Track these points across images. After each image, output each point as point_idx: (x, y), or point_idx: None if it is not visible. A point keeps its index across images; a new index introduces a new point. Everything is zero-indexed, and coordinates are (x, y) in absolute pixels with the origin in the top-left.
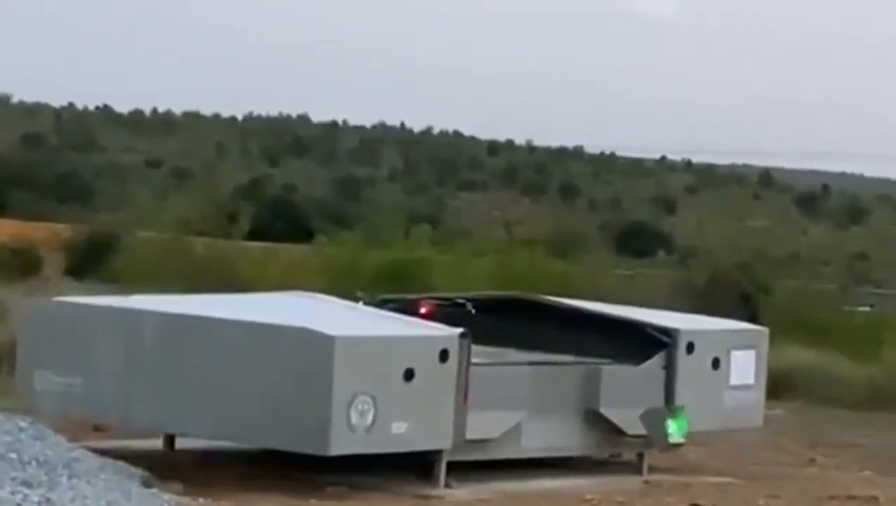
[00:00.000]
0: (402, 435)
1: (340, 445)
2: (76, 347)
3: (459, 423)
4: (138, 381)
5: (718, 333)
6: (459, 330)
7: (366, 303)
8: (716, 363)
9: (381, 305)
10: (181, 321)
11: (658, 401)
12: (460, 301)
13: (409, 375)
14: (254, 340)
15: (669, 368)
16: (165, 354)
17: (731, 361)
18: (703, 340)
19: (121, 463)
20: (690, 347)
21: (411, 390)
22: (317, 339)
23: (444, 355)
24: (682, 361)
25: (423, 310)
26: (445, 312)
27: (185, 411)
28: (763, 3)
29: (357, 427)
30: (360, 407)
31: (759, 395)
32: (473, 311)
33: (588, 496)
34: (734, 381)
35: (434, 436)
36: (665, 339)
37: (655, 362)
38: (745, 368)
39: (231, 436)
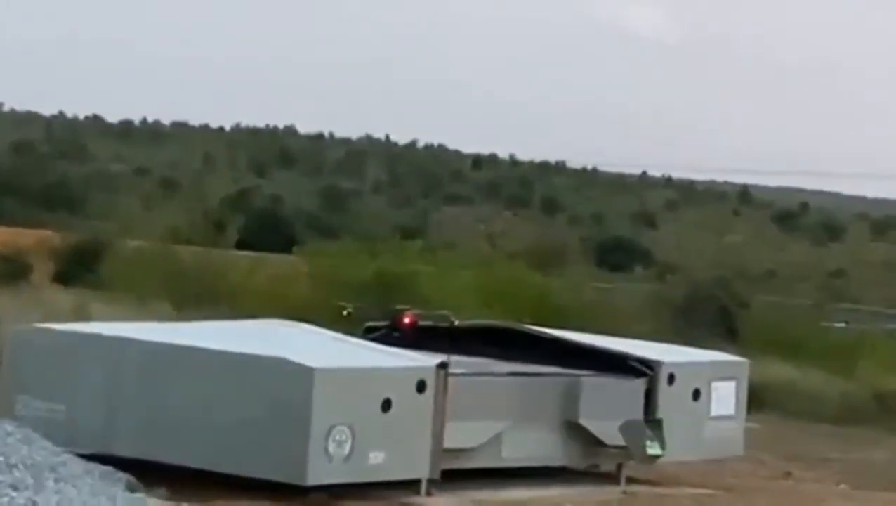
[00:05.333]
0: (379, 465)
1: (318, 474)
2: (59, 374)
3: (437, 452)
4: (119, 409)
5: (699, 364)
6: (437, 361)
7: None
8: (696, 394)
9: (366, 333)
10: (162, 350)
11: (637, 413)
12: (444, 324)
13: (386, 405)
14: (234, 370)
15: (650, 398)
16: (146, 382)
17: (711, 392)
18: (684, 371)
19: (107, 468)
20: (671, 379)
21: (389, 420)
22: (296, 369)
23: (421, 386)
24: (664, 392)
25: (406, 320)
26: (430, 334)
27: (165, 439)
28: (745, 25)
29: (335, 457)
30: (337, 437)
31: (740, 425)
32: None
33: None
34: (715, 412)
35: (411, 466)
36: (647, 370)
37: (635, 382)
38: (725, 399)
39: (210, 464)
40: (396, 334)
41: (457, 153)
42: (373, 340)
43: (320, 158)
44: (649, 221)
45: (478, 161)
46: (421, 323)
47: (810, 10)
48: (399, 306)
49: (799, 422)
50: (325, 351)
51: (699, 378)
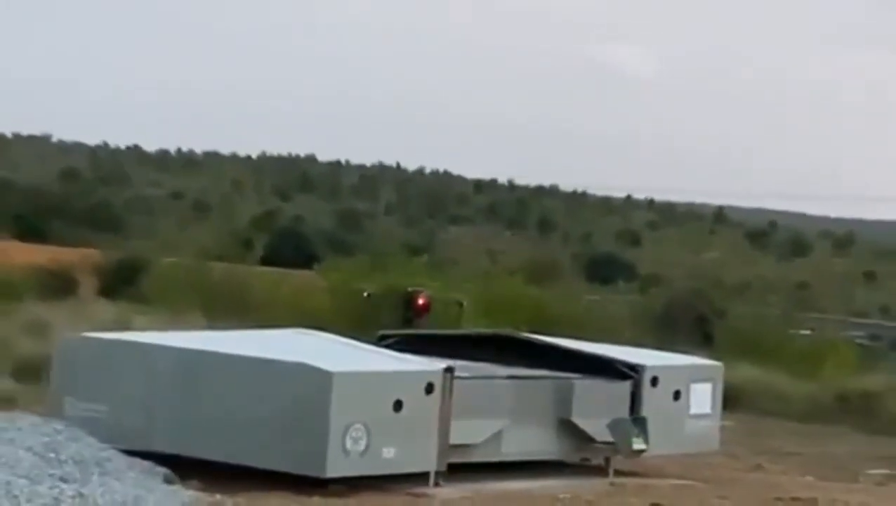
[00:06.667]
0: (391, 459)
1: (336, 468)
2: (103, 378)
3: (443, 448)
4: (156, 409)
5: (679, 368)
6: (443, 365)
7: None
8: (677, 395)
9: (379, 340)
10: (195, 357)
11: (624, 412)
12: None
13: (398, 405)
14: (260, 374)
15: (636, 399)
16: (181, 385)
17: (690, 393)
18: (666, 374)
19: (146, 462)
20: (655, 381)
21: (400, 419)
22: (316, 373)
23: (429, 388)
24: (647, 392)
25: (420, 301)
26: (437, 342)
27: (198, 436)
28: (716, 60)
29: (351, 452)
30: (354, 434)
31: (716, 422)
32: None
33: (560, 496)
34: (693, 410)
35: (420, 460)
36: (632, 373)
37: (622, 384)
38: (703, 399)
39: (239, 458)
40: (407, 340)
41: (460, 178)
42: (385, 347)
43: (337, 182)
44: (634, 239)
45: (479, 185)
46: (434, 332)
47: (774, 46)
48: (412, 288)
49: (768, 420)
50: (343, 357)
51: (679, 380)
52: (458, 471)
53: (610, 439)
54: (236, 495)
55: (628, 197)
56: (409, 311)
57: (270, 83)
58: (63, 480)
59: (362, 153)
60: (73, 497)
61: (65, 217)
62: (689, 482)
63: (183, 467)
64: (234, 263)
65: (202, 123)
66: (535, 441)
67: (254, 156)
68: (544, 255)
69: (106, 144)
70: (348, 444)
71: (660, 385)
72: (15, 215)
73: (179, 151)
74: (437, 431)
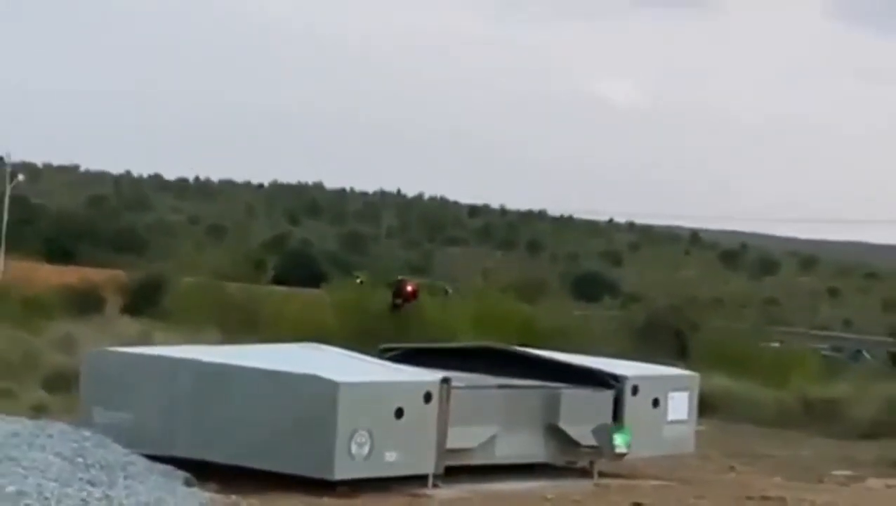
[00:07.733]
0: (393, 462)
1: (343, 471)
2: (127, 389)
3: (441, 452)
4: (176, 416)
5: (658, 378)
6: (441, 376)
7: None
8: (656, 402)
9: (382, 353)
10: (213, 369)
11: (607, 419)
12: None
13: (399, 413)
14: (272, 385)
15: (618, 406)
16: (199, 395)
17: (668, 400)
18: (646, 384)
19: (167, 466)
20: (635, 390)
21: (401, 425)
22: (323, 384)
23: (428, 397)
24: (629, 401)
25: (408, 288)
26: (436, 356)
27: (215, 441)
28: (696, 97)
29: (356, 456)
30: (359, 440)
31: (692, 428)
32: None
33: (549, 496)
34: (671, 417)
35: (420, 463)
36: (615, 383)
37: (605, 393)
38: (680, 406)
39: (252, 462)
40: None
41: (456, 204)
42: (387, 359)
43: (343, 208)
44: (616, 259)
45: (474, 210)
46: (432, 345)
47: (745, 79)
48: (401, 277)
49: (740, 425)
50: (348, 368)
51: (658, 389)
52: (455, 473)
53: (594, 443)
54: (250, 497)
55: (611, 220)
56: (399, 297)
57: (281, 116)
58: (91, 483)
59: (366, 181)
60: (99, 499)
61: (92, 240)
62: (668, 483)
63: (201, 471)
64: (247, 283)
65: (218, 153)
66: (525, 446)
67: (266, 183)
68: (533, 273)
69: (129, 173)
70: (353, 448)
71: (640, 394)
72: (46, 239)
73: (197, 179)
74: (435, 436)
